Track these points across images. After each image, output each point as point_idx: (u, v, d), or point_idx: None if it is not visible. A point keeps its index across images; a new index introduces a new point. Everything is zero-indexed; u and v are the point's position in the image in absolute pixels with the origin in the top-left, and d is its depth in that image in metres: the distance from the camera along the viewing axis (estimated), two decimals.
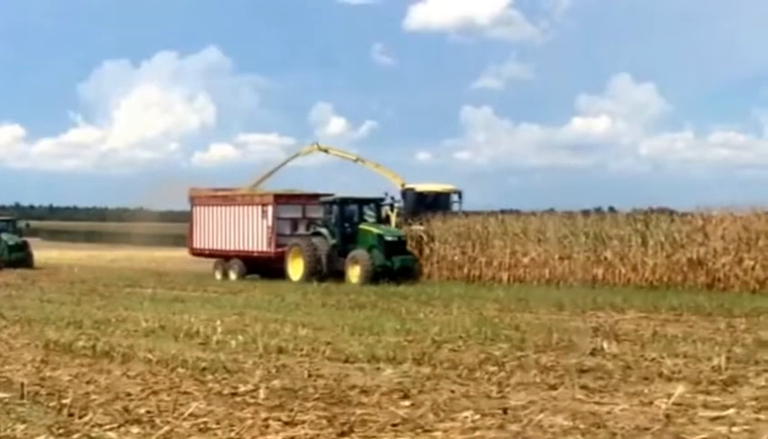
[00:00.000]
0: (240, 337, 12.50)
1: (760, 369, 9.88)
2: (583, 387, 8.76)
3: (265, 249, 32.52)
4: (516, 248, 29.42)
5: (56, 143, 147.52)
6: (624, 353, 11.18)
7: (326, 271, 29.42)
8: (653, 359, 10.62)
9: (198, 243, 36.04)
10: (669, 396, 8.01)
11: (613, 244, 27.82)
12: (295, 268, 30.12)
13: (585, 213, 30.14)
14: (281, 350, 11.37)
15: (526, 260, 29.06)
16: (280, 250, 31.50)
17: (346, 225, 30.20)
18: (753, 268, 24.89)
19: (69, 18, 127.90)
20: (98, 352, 11.37)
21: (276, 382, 9.00)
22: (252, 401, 8.10)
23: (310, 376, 9.50)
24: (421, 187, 34.42)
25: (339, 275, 29.02)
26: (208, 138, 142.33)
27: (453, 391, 8.55)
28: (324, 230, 30.19)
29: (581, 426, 6.97)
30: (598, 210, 31.62)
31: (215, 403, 7.94)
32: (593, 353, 11.20)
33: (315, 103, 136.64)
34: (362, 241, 29.41)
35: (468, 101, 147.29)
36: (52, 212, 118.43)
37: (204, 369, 9.86)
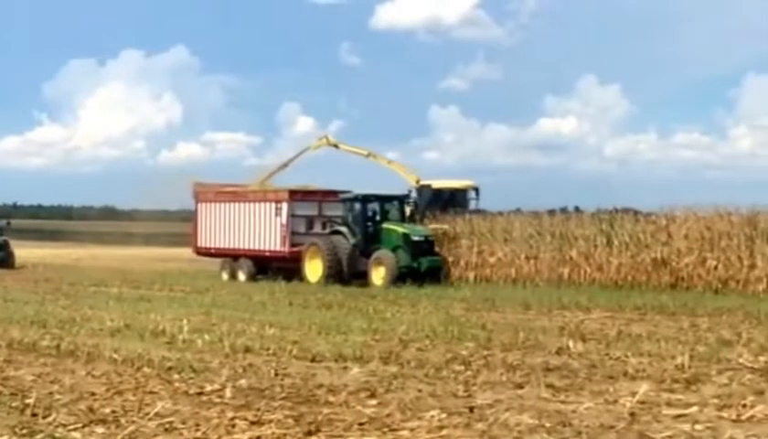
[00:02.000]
0: (207, 337, 12.46)
1: (722, 367, 10.00)
2: (549, 386, 8.82)
3: (279, 248, 30.53)
4: (482, 247, 29.47)
5: (21, 141, 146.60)
6: (590, 352, 11.26)
7: (347, 272, 27.79)
8: (618, 358, 10.72)
9: (203, 242, 33.87)
10: (634, 394, 8.09)
11: (579, 244, 27.96)
12: (313, 269, 28.25)
13: (551, 213, 30.27)
14: (247, 350, 11.35)
15: (492, 259, 29.10)
16: (295, 249, 29.65)
17: (368, 224, 28.55)
18: (716, 268, 25.12)
19: (35, 17, 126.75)
20: (62, 352, 11.29)
21: (243, 382, 8.98)
22: (219, 400, 8.08)
23: (277, 375, 9.49)
24: (438, 183, 32.89)
25: (361, 277, 27.47)
26: (175, 137, 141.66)
27: (419, 390, 8.58)
28: (344, 229, 28.39)
29: (547, 424, 7.02)
30: (564, 210, 31.75)
31: (181, 403, 7.91)
32: (559, 352, 11.27)
33: (283, 103, 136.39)
34: (386, 241, 27.80)
35: (435, 101, 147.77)
36: (16, 210, 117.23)
37: (170, 368, 9.83)
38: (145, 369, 9.80)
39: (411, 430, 6.91)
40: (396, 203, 29.70)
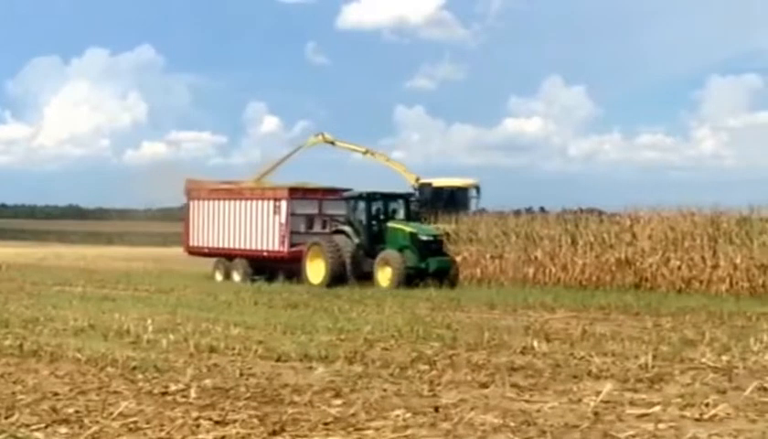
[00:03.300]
0: (171, 336, 12.38)
1: (685, 367, 10.09)
2: (514, 385, 8.85)
3: (277, 248, 29.61)
4: (448, 247, 29.56)
5: None
6: (554, 351, 11.32)
7: (351, 273, 26.87)
8: (582, 358, 10.77)
9: (196, 241, 32.70)
10: (597, 394, 8.14)
11: (544, 244, 28.20)
12: (315, 270, 27.26)
13: (516, 213, 30.46)
14: (212, 349, 11.30)
15: (458, 259, 29.24)
16: (294, 249, 28.77)
17: (373, 222, 27.60)
18: (679, 268, 25.42)
19: None
20: (25, 351, 11.16)
21: (207, 381, 8.94)
22: (183, 400, 8.04)
23: (242, 375, 9.46)
24: (438, 181, 32.72)
25: (365, 278, 26.55)
26: (140, 136, 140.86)
27: (384, 390, 8.58)
28: (347, 228, 27.47)
29: (512, 424, 7.05)
30: (529, 210, 31.95)
31: (145, 403, 7.86)
32: (524, 351, 11.33)
33: (249, 102, 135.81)
34: (392, 241, 26.87)
35: (402, 101, 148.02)
36: None
37: (134, 368, 9.76)
38: (109, 369, 9.73)
39: (376, 429, 6.92)
40: (401, 201, 28.86)
